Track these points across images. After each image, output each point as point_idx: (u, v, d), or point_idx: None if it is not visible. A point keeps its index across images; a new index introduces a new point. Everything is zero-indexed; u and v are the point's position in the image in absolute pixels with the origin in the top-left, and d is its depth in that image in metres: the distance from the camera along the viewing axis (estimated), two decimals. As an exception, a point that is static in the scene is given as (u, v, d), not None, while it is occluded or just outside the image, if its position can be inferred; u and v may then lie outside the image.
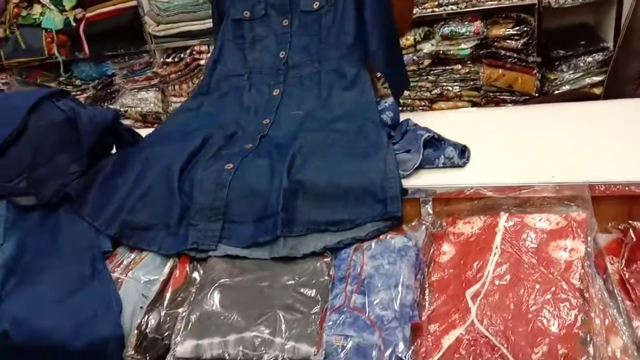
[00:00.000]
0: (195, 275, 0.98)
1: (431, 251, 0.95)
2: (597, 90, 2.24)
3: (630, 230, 0.88)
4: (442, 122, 1.22)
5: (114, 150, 1.27)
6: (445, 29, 2.28)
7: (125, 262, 1.04)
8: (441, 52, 2.34)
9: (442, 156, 1.06)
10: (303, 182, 1.03)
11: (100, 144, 1.19)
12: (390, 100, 1.26)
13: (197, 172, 1.10)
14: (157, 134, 1.30)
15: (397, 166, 1.03)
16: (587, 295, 0.76)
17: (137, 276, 1.00)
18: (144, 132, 1.37)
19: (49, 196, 1.08)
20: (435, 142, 1.09)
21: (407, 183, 1.03)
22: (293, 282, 0.91)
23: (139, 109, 2.85)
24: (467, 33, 2.27)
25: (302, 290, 0.90)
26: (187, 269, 0.99)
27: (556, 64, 2.30)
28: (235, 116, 1.29)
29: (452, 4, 2.23)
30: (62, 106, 1.14)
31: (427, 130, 1.14)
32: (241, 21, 1.39)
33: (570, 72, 2.26)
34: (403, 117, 1.24)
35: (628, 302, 0.79)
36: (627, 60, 1.85)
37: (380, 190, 1.00)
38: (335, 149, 1.11)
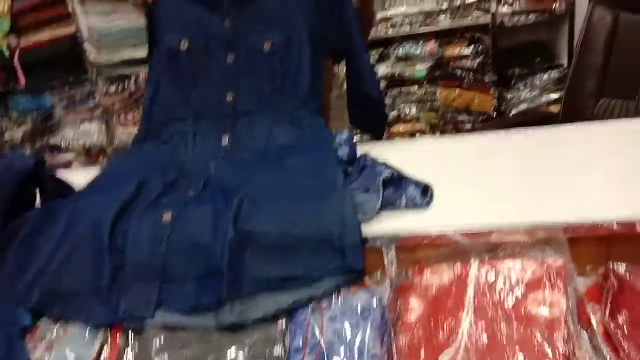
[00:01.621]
0: (129, 351, 0.84)
1: (398, 306, 0.85)
2: (555, 108, 2.23)
3: (611, 275, 0.81)
4: (401, 153, 1.13)
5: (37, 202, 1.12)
6: (400, 50, 2.23)
7: (48, 338, 0.90)
8: (396, 74, 2.29)
9: (404, 197, 0.97)
10: (251, 232, 0.91)
11: (19, 197, 1.04)
12: (346, 134, 1.17)
13: (131, 225, 0.97)
14: (91, 183, 1.16)
15: (355, 211, 0.93)
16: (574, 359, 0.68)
17: (63, 355, 0.87)
18: (87, 172, 1.22)
19: (-47, 265, 0.93)
20: (395, 180, 1.00)
21: (367, 229, 0.93)
22: (242, 357, 0.79)
23: (81, 142, 2.67)
24: (422, 54, 2.22)
25: (252, 365, 0.78)
26: (120, 343, 0.86)
27: (512, 82, 2.27)
28: (178, 162, 1.16)
29: (406, 25, 2.17)
30: (-31, 156, 0.99)
31: (386, 166, 1.05)
32: (178, 52, 1.21)
33: (527, 90, 2.23)
34: (360, 146, 1.15)
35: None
36: (583, 77, 1.83)
37: (337, 239, 0.89)
38: (287, 191, 1.00)
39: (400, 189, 0.98)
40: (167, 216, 0.98)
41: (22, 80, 2.61)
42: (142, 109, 1.26)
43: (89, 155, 2.70)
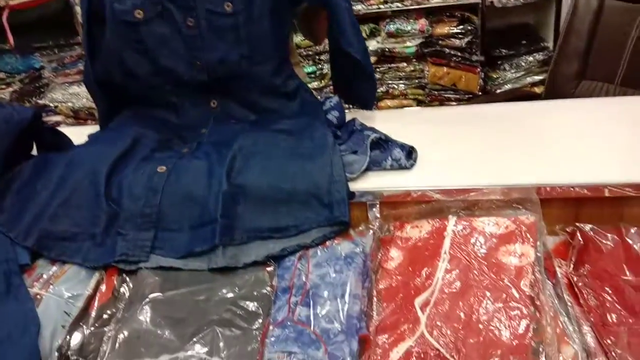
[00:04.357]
0: (124, 289, 0.89)
1: (379, 257, 0.91)
2: (538, 89, 2.29)
3: (578, 233, 0.87)
4: (388, 121, 1.18)
5: (34, 152, 1.15)
6: (391, 26, 2.26)
7: (45, 276, 0.94)
8: (387, 49, 2.32)
9: (389, 158, 1.02)
10: (244, 186, 0.96)
11: (17, 146, 1.07)
12: (336, 99, 1.21)
13: (127, 176, 1.01)
14: (88, 139, 1.19)
15: (343, 168, 0.99)
16: (537, 302, 0.74)
17: (59, 291, 0.90)
18: (75, 130, 1.25)
19: (-46, 204, 0.96)
20: (382, 143, 1.05)
21: (354, 186, 0.98)
22: (232, 294, 0.84)
23: (70, 104, 2.67)
24: (412, 31, 2.26)
25: (242, 303, 0.83)
26: (115, 282, 0.90)
27: (498, 62, 2.33)
28: (171, 126, 1.18)
29: (397, 1, 2.20)
30: (-29, 103, 1.01)
31: (374, 130, 1.10)
32: (134, 23, 1.09)
33: (512, 71, 2.29)
34: (349, 116, 1.19)
35: (577, 307, 0.77)
36: (567, 60, 1.89)
37: (326, 194, 0.95)
38: (278, 150, 1.04)
39: (386, 151, 1.04)
40: (162, 168, 1.02)
41: (12, 40, 2.59)
42: (110, 84, 1.18)
43: (77, 117, 2.71)
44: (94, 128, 1.30)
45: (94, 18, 1.14)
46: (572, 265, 0.84)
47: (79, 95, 2.66)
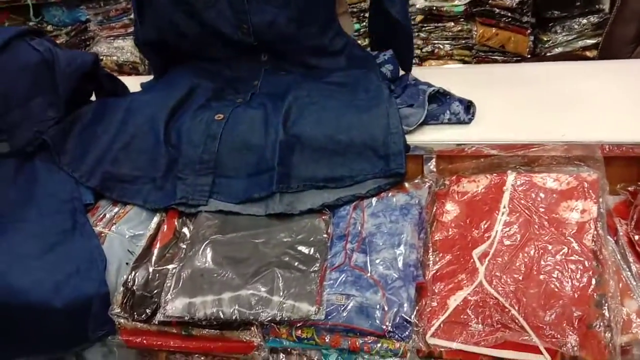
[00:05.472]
0: (185, 230, 0.92)
1: (434, 210, 0.91)
2: (590, 54, 2.21)
3: (641, 193, 0.85)
4: (440, 77, 1.16)
5: (93, 98, 1.18)
6: (439, -17, 2.20)
7: (108, 216, 0.98)
8: (434, 8, 2.26)
9: (448, 111, 1.01)
10: (300, 135, 0.97)
11: (78, 90, 1.10)
12: (389, 53, 1.19)
13: (185, 123, 1.03)
14: (144, 87, 1.21)
15: (400, 121, 0.98)
16: (600, 257, 0.74)
17: (122, 230, 0.94)
18: (125, 79, 1.27)
19: (23, 143, 1.00)
20: (440, 97, 1.04)
21: (410, 139, 0.97)
22: (290, 239, 0.86)
23: (114, 58, 2.71)
24: (462, -11, 2.19)
25: (299, 247, 0.85)
26: (176, 224, 0.94)
27: (550, 25, 2.24)
28: (224, 77, 1.17)
29: (447, -42, 2.13)
30: (37, 46, 1.04)
31: (429, 84, 1.08)
32: None
33: (564, 34, 2.21)
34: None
35: (639, 265, 0.76)
36: (624, 22, 1.81)
37: (382, 146, 0.95)
38: (333, 101, 1.04)
39: (444, 105, 1.02)
40: (219, 116, 1.03)
41: (58, -9, 2.63)
42: (161, 43, 1.18)
43: (121, 72, 2.74)
44: (143, 79, 1.31)
45: None
46: (633, 224, 0.82)
47: (123, 49, 2.69)
